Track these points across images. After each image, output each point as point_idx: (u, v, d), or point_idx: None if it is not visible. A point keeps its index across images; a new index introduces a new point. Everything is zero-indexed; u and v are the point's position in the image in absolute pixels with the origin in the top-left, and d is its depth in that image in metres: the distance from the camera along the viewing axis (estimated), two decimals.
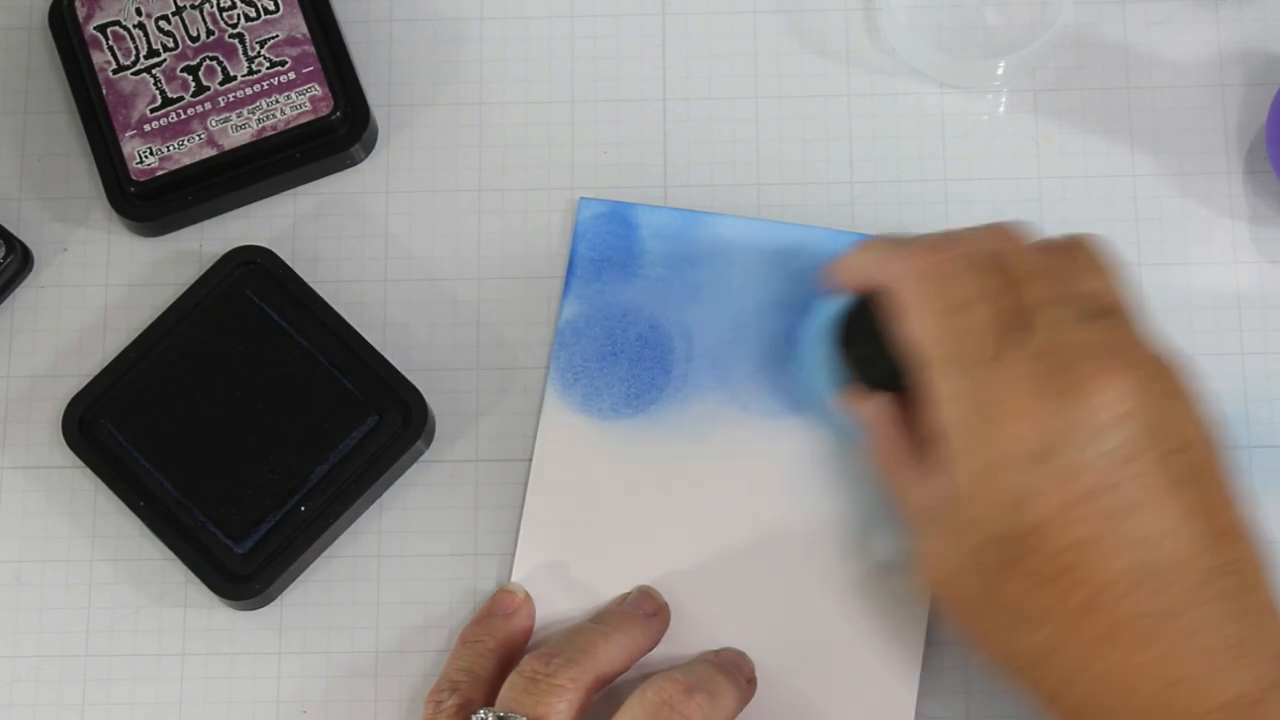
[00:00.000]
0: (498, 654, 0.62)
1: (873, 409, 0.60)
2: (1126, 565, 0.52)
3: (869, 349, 0.60)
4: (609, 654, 0.60)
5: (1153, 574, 0.52)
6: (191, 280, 0.66)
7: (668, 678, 0.58)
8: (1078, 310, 0.55)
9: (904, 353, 0.58)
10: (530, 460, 0.66)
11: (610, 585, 0.64)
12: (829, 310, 0.63)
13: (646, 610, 0.63)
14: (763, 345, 0.66)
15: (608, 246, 0.67)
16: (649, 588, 0.63)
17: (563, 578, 0.64)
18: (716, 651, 0.63)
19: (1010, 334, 0.55)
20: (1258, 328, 0.66)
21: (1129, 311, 0.57)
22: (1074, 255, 0.58)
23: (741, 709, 0.60)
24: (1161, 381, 0.54)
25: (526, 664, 0.59)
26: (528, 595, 0.64)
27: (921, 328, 0.56)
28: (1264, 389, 0.66)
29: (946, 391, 0.55)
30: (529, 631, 0.63)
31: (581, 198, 0.68)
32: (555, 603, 0.64)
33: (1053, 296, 0.56)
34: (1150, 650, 0.52)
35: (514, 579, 0.64)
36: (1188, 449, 0.53)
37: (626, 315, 0.66)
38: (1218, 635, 0.52)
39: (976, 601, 0.55)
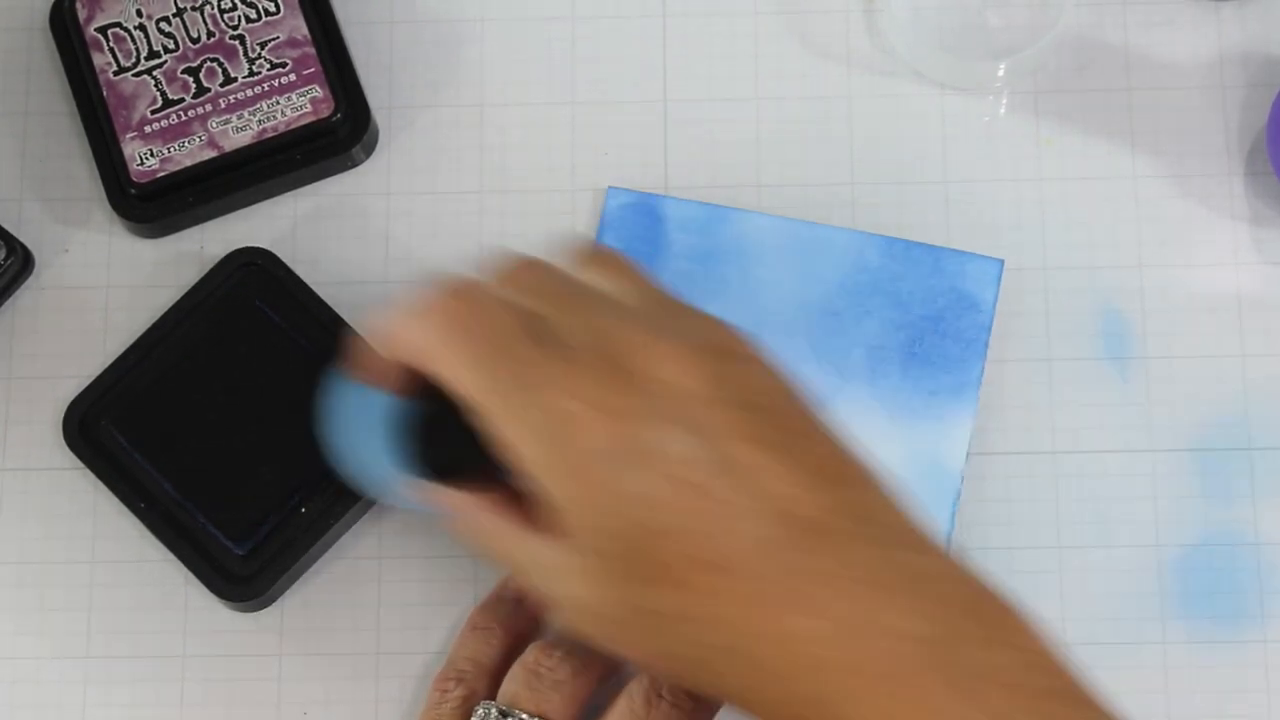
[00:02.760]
0: (505, 642, 0.61)
1: (460, 494, 0.57)
2: (754, 525, 0.50)
3: (438, 440, 0.57)
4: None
5: (779, 528, 0.49)
6: (192, 282, 0.66)
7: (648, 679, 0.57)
8: (608, 311, 0.54)
9: (461, 411, 0.54)
10: None
11: None
12: (368, 403, 0.59)
13: None
14: (783, 344, 0.66)
15: (633, 237, 0.67)
16: None
17: None
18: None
19: (548, 348, 0.52)
20: (1258, 329, 0.66)
21: (662, 297, 0.56)
22: (591, 264, 0.57)
23: None
24: (714, 344, 0.53)
25: (530, 654, 0.59)
26: None
27: (458, 375, 0.53)
28: (1265, 391, 0.66)
29: (507, 426, 0.52)
30: (538, 618, 0.62)
31: (610, 187, 0.68)
32: None
33: (579, 305, 0.54)
34: (807, 604, 0.49)
35: None
36: (763, 404, 0.52)
37: None
38: (873, 573, 0.49)
39: (628, 624, 0.52)
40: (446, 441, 0.57)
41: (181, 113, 0.67)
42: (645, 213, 0.68)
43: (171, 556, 0.64)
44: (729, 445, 0.51)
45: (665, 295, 0.56)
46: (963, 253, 0.66)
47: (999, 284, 0.66)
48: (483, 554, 0.57)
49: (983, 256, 0.66)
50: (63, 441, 0.65)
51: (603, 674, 0.59)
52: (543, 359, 0.52)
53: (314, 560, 0.65)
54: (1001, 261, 0.66)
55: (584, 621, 0.54)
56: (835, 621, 0.49)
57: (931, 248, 0.66)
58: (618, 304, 0.55)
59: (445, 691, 0.60)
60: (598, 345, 0.52)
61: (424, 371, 0.56)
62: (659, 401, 0.51)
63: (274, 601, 0.65)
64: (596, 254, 0.58)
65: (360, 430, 0.59)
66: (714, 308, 0.65)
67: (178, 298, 0.66)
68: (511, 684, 0.58)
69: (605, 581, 0.52)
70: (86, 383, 0.66)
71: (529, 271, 0.56)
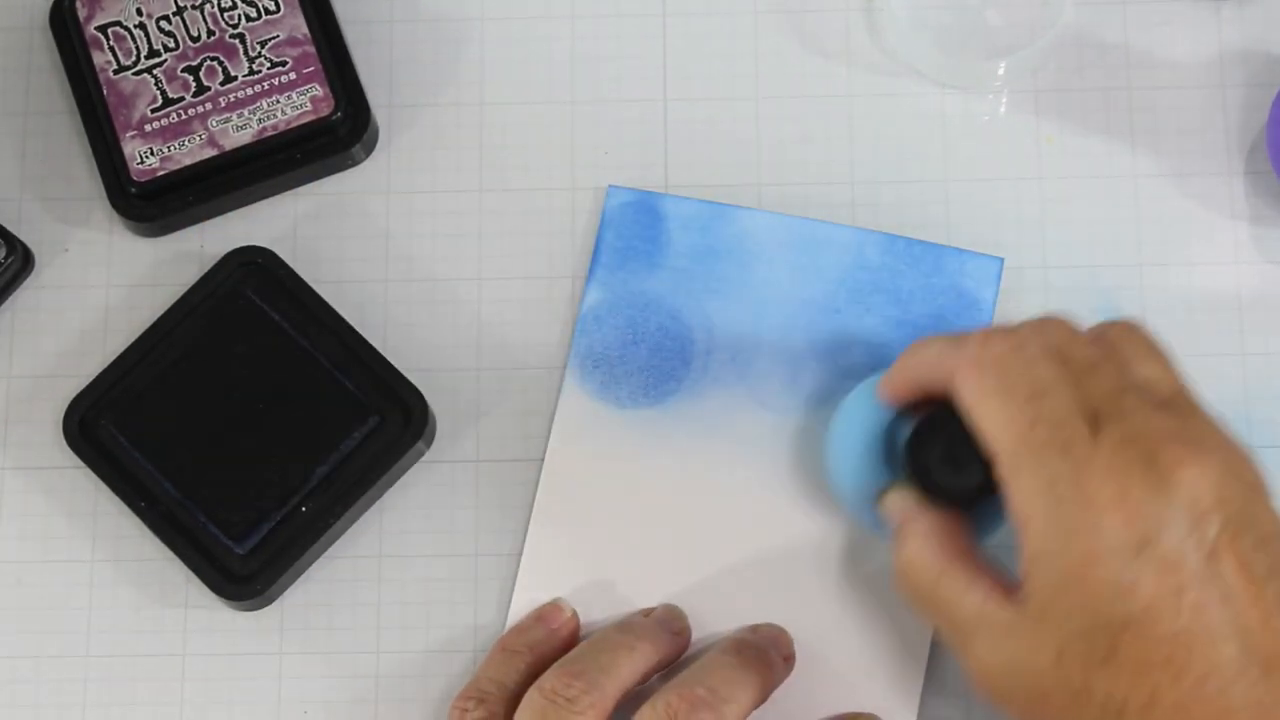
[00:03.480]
0: (532, 668, 0.61)
1: (920, 512, 0.58)
2: (1228, 655, 0.51)
3: (933, 458, 0.58)
4: (632, 672, 0.60)
5: (1254, 663, 0.51)
6: (192, 281, 0.66)
7: (677, 690, 0.58)
8: (1146, 398, 0.55)
9: (976, 449, 0.56)
10: (530, 459, 0.66)
11: (620, 574, 0.64)
12: (876, 416, 0.61)
13: (672, 628, 0.62)
14: (783, 342, 0.66)
15: (634, 235, 0.67)
16: (675, 606, 0.63)
17: (573, 565, 0.64)
18: (754, 627, 0.62)
19: (1086, 424, 0.53)
20: (1259, 328, 0.66)
21: (1194, 398, 0.57)
22: (1129, 341, 0.57)
23: (771, 690, 0.60)
24: (1241, 471, 0.54)
25: (548, 681, 0.59)
26: (575, 614, 0.63)
27: (994, 418, 0.55)
28: (1265, 389, 0.66)
29: (1026, 483, 0.54)
30: (568, 650, 0.62)
31: (610, 185, 0.68)
32: (562, 591, 0.64)
33: (1119, 384, 0.55)
34: None
35: (521, 573, 0.64)
36: (1271, 541, 0.53)
37: (649, 304, 0.66)
38: None
39: (1063, 703, 0.53)
40: (935, 459, 0.58)
41: (181, 111, 0.67)
42: (646, 211, 0.68)
43: (171, 556, 0.64)
44: (1223, 565, 0.52)
45: (1191, 394, 0.57)
46: (963, 251, 0.66)
47: (999, 282, 0.66)
48: (906, 583, 0.58)
49: (983, 255, 0.66)
50: (63, 441, 0.65)
51: (619, 704, 0.59)
52: (1088, 438, 0.53)
53: (314, 560, 0.65)
54: (1001, 260, 0.66)
55: (1012, 689, 0.54)
56: None
57: (932, 246, 0.66)
58: (1151, 393, 0.55)
59: (465, 710, 0.60)
60: (1133, 442, 0.53)
61: (957, 407, 0.56)
62: (1175, 508, 0.52)
63: (274, 601, 0.65)
64: (1128, 327, 0.58)
65: (856, 439, 0.60)
66: (715, 305, 0.66)
67: (177, 297, 0.66)
68: (527, 712, 0.58)
69: (1056, 654, 0.53)
70: (86, 382, 0.66)
71: (1077, 341, 0.56)
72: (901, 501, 0.59)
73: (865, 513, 0.61)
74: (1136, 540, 0.52)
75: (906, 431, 0.59)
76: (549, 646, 0.62)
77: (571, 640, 0.63)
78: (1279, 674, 0.51)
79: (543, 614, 0.63)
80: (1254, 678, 0.51)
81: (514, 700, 0.60)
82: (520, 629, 0.63)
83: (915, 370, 0.59)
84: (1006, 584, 0.55)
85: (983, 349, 0.56)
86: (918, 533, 0.58)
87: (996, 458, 0.55)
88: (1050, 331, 0.56)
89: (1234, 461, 0.54)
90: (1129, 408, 0.54)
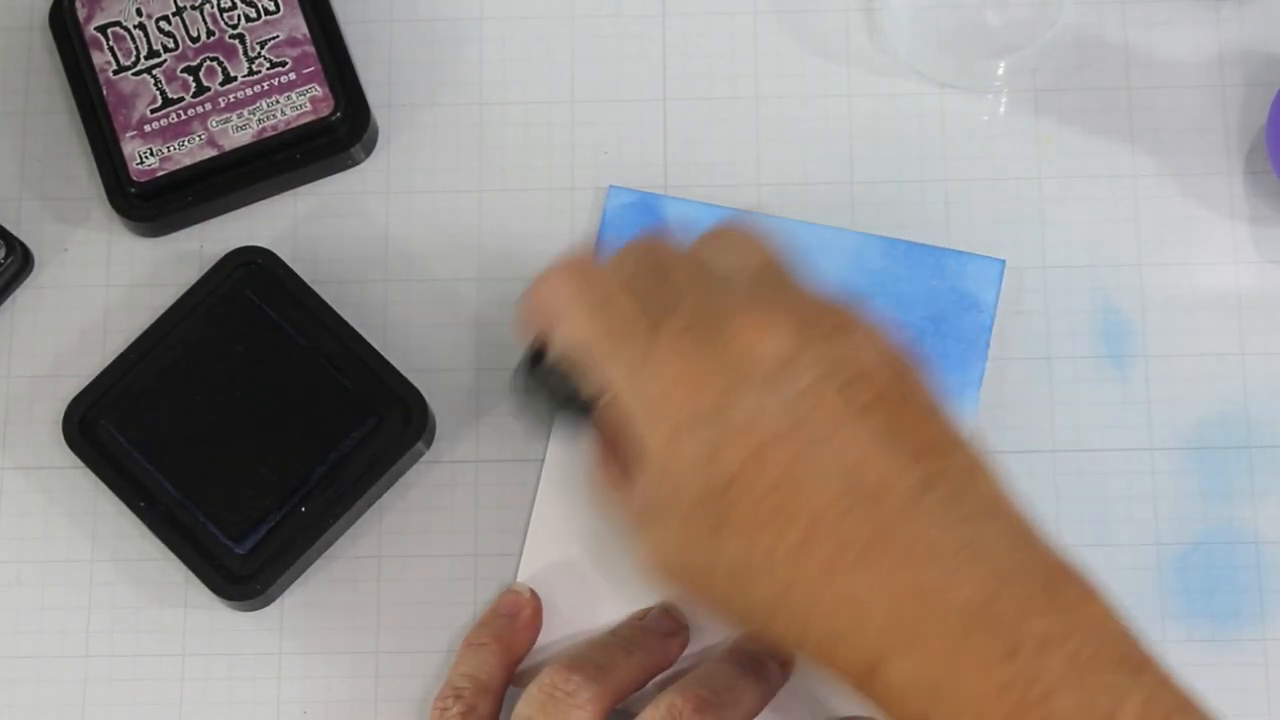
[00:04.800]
0: (501, 657, 0.62)
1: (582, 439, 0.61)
2: (832, 495, 0.52)
3: (555, 382, 0.59)
4: (630, 671, 0.60)
5: (860, 498, 0.52)
6: (192, 281, 0.66)
7: (680, 692, 0.58)
8: (716, 284, 0.56)
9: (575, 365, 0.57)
10: (530, 459, 0.66)
11: (619, 575, 0.64)
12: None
13: (668, 628, 0.63)
14: None
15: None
16: (672, 605, 0.63)
17: (570, 573, 0.64)
18: (751, 635, 0.63)
19: (661, 315, 0.55)
20: (1258, 328, 0.66)
21: (782, 272, 0.58)
22: (721, 237, 0.59)
23: (770, 698, 0.61)
24: (822, 320, 0.55)
25: (547, 677, 0.59)
26: (534, 595, 0.64)
27: (575, 330, 0.57)
28: (1265, 389, 0.66)
29: (614, 382, 0.56)
30: (535, 632, 0.63)
31: (611, 186, 0.68)
32: (559, 598, 0.64)
33: (699, 273, 0.57)
34: (874, 570, 0.52)
35: (520, 573, 0.64)
36: (865, 376, 0.53)
37: None
38: (938, 544, 0.52)
39: (703, 571, 0.55)
40: (553, 385, 0.59)
41: (181, 112, 0.67)
42: (646, 212, 0.68)
43: (171, 555, 0.64)
44: (808, 412, 0.53)
45: (782, 271, 0.58)
46: (964, 253, 0.66)
47: (1000, 284, 0.66)
48: (595, 504, 0.61)
49: (984, 257, 0.66)
50: (62, 440, 0.65)
51: (619, 697, 0.60)
52: (650, 329, 0.55)
53: (314, 559, 0.65)
54: (1003, 262, 0.66)
55: (670, 571, 0.56)
56: (899, 588, 0.51)
57: (933, 249, 0.66)
58: (728, 280, 0.57)
59: (444, 710, 0.61)
60: (701, 319, 0.55)
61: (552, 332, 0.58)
62: (760, 373, 0.53)
63: (274, 600, 0.65)
64: (724, 228, 0.59)
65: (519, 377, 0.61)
66: None
67: (177, 297, 0.66)
68: (527, 706, 0.59)
69: (691, 534, 0.54)
70: (86, 382, 0.65)
71: (656, 243, 0.59)
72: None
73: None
74: (706, 410, 0.53)
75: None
76: (513, 633, 0.63)
77: (535, 621, 0.64)
78: (888, 501, 0.52)
79: (500, 603, 0.64)
80: (864, 510, 0.52)
81: (489, 692, 0.61)
82: (482, 623, 0.63)
83: (534, 304, 0.59)
84: (645, 476, 0.56)
85: (566, 273, 0.58)
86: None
87: (588, 368, 0.57)
88: (639, 242, 0.58)
89: (813, 313, 0.55)
90: (702, 290, 0.56)
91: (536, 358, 0.59)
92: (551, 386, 0.59)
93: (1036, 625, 0.50)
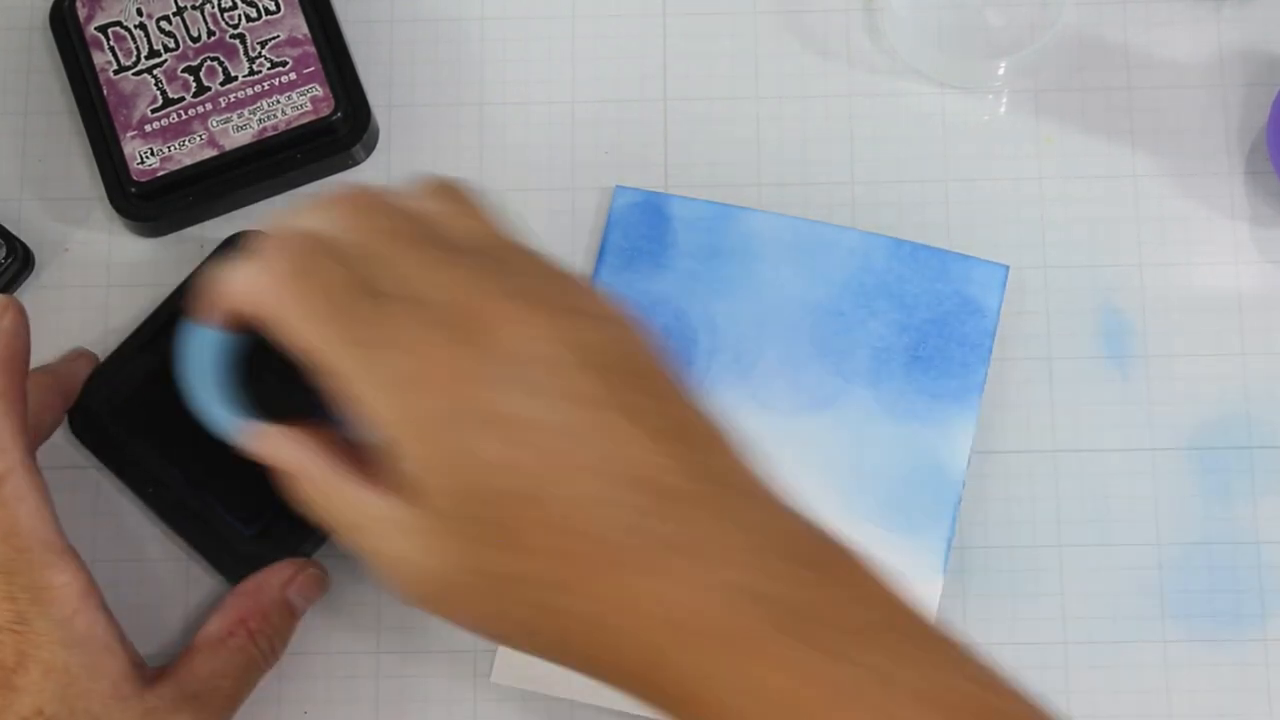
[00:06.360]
0: None
1: (291, 441, 0.54)
2: (587, 488, 0.50)
3: (268, 381, 0.56)
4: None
5: (616, 485, 0.50)
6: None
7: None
8: (450, 253, 0.52)
9: (299, 362, 0.53)
10: None
11: None
12: (209, 343, 0.57)
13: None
14: (786, 344, 0.66)
15: (640, 235, 0.67)
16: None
17: None
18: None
19: (384, 301, 0.51)
20: (1259, 328, 0.66)
21: (511, 241, 0.55)
22: (439, 194, 0.55)
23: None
24: (566, 307, 0.52)
25: None
26: (12, 300, 0.61)
27: (296, 328, 0.52)
28: (1265, 390, 0.66)
29: (354, 382, 0.51)
30: (22, 338, 0.60)
31: (617, 185, 0.68)
32: None
33: (420, 247, 0.52)
34: (635, 567, 0.49)
35: None
36: (611, 368, 0.51)
37: (654, 305, 0.66)
38: (690, 528, 0.50)
39: (466, 584, 0.51)
40: (275, 382, 0.56)
41: (181, 111, 0.67)
42: (652, 211, 0.68)
43: (171, 556, 0.64)
44: (576, 408, 0.50)
45: (515, 242, 0.55)
46: (969, 257, 0.66)
47: (1004, 289, 0.66)
48: (307, 506, 0.54)
49: (988, 261, 0.66)
50: (63, 440, 0.65)
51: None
52: (382, 315, 0.51)
53: (321, 543, 0.64)
54: (1006, 267, 0.66)
55: (415, 583, 0.52)
56: (674, 581, 0.49)
57: (938, 251, 0.66)
58: (462, 248, 0.53)
59: None
60: (444, 300, 0.51)
61: (263, 327, 0.54)
62: (506, 364, 0.50)
63: None
64: (440, 186, 0.56)
65: (198, 369, 0.57)
66: (719, 306, 0.66)
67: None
68: None
69: (448, 544, 0.51)
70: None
71: (364, 209, 0.54)
72: (268, 438, 0.55)
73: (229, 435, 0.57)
74: (471, 409, 0.50)
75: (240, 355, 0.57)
76: None
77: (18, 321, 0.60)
78: (647, 487, 0.50)
79: None
80: (623, 497, 0.50)
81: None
82: None
83: (225, 301, 0.55)
84: (391, 478, 0.52)
85: (264, 269, 0.53)
86: (293, 459, 0.54)
87: (320, 368, 0.52)
88: (337, 205, 0.54)
89: (560, 293, 0.52)
90: (434, 277, 0.52)
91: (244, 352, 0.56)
92: (262, 389, 0.56)
93: (816, 600, 0.49)
